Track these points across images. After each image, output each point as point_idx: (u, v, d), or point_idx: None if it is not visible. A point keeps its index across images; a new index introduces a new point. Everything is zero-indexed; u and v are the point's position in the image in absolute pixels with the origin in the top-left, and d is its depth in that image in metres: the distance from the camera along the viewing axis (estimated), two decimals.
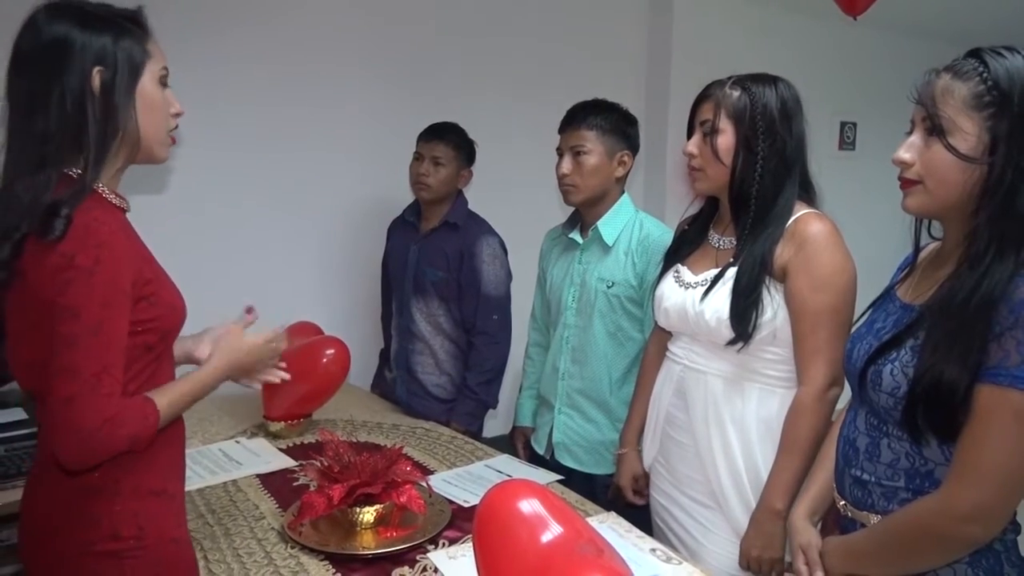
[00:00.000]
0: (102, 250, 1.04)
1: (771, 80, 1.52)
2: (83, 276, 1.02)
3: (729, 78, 1.54)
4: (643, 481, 1.78)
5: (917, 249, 1.23)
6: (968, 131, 1.04)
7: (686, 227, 1.72)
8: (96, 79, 1.08)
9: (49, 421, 1.04)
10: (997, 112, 1.02)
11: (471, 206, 2.46)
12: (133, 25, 1.14)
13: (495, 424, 2.66)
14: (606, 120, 1.95)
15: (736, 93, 1.51)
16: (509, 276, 2.39)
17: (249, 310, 1.35)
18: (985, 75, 1.03)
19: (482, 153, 2.47)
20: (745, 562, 1.50)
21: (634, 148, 2.01)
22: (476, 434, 2.32)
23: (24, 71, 1.09)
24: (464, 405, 2.35)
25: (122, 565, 1.12)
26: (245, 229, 2.65)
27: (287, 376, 1.39)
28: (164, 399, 1.13)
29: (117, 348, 1.06)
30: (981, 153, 1.03)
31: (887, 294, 1.25)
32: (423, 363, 2.42)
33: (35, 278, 1.04)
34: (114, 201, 1.15)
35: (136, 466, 1.13)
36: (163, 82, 1.17)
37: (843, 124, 4.34)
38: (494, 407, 2.42)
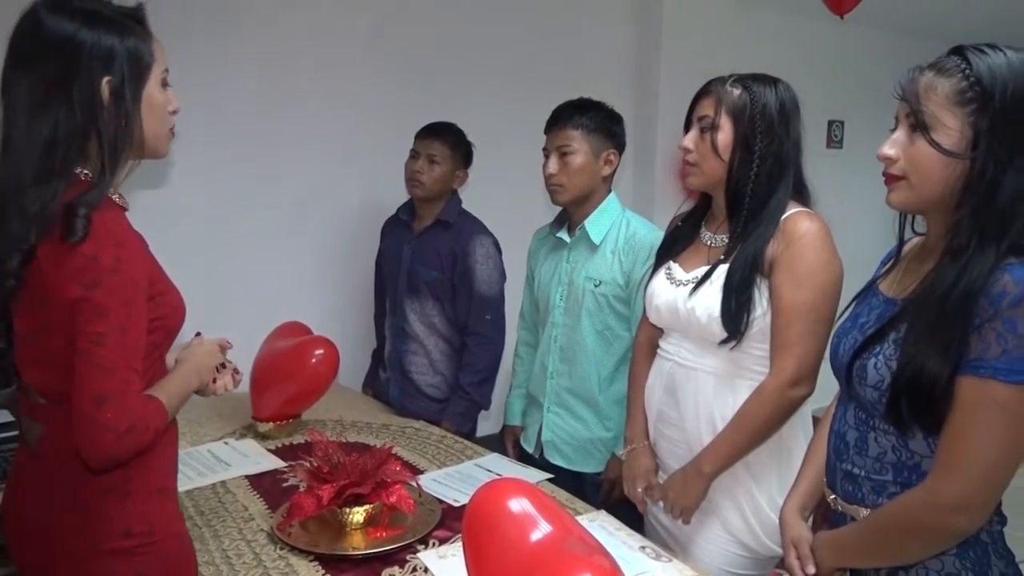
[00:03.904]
0: (122, 249, 1.04)
1: (771, 81, 1.53)
2: (107, 275, 1.02)
3: (730, 76, 1.54)
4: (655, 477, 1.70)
5: (901, 243, 1.24)
6: (951, 127, 1.05)
7: (679, 224, 1.72)
8: (106, 89, 1.06)
9: (77, 420, 1.02)
10: (979, 108, 1.03)
11: (463, 206, 2.45)
12: (137, 25, 1.11)
13: (486, 423, 2.65)
14: (591, 119, 1.95)
15: (737, 91, 1.51)
16: (503, 276, 2.38)
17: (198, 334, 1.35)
18: (968, 72, 1.04)
19: (475, 153, 2.46)
20: (662, 494, 1.58)
21: (620, 146, 2.01)
22: (469, 435, 2.30)
23: (25, 69, 1.06)
24: (456, 405, 2.33)
25: (135, 562, 1.12)
26: (236, 228, 2.63)
27: (231, 386, 1.36)
28: (163, 395, 1.13)
29: (140, 346, 1.07)
30: (964, 148, 1.04)
31: (869, 288, 1.26)
32: (417, 363, 2.41)
33: (56, 280, 1.03)
34: (118, 201, 1.14)
35: (146, 464, 1.13)
36: (165, 83, 1.16)
37: (831, 123, 4.35)
38: (487, 408, 2.40)
